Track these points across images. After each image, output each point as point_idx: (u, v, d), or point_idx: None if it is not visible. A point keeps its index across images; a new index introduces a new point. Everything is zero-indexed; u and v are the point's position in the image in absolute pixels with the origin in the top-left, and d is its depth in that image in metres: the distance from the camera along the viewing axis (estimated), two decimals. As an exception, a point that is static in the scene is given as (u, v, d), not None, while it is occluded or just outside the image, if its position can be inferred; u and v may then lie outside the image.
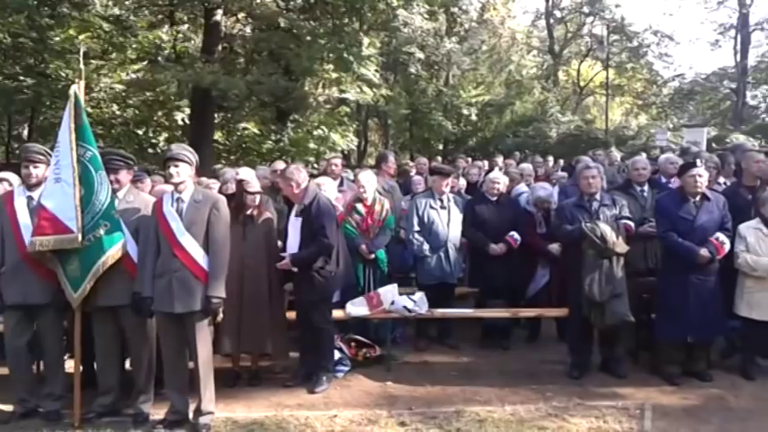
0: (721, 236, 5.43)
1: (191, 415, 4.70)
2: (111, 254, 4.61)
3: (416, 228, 6.56)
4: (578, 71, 34.85)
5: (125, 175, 4.93)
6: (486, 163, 12.49)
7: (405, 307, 5.95)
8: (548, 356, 6.27)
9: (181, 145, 4.99)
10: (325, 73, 17.53)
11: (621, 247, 5.49)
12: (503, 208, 6.66)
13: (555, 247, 6.27)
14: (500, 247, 6.40)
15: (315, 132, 18.30)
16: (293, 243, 5.42)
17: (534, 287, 6.65)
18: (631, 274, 5.66)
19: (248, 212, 5.47)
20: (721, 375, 5.63)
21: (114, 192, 4.77)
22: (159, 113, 18.11)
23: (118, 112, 17.94)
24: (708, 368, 5.67)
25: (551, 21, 33.76)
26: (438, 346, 6.68)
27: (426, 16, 19.13)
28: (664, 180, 6.63)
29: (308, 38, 15.44)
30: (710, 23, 38.76)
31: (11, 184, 5.50)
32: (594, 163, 6.63)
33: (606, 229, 5.47)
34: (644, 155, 11.80)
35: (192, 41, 17.87)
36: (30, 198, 4.80)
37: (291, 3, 16.48)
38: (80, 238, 4.53)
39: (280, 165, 7.61)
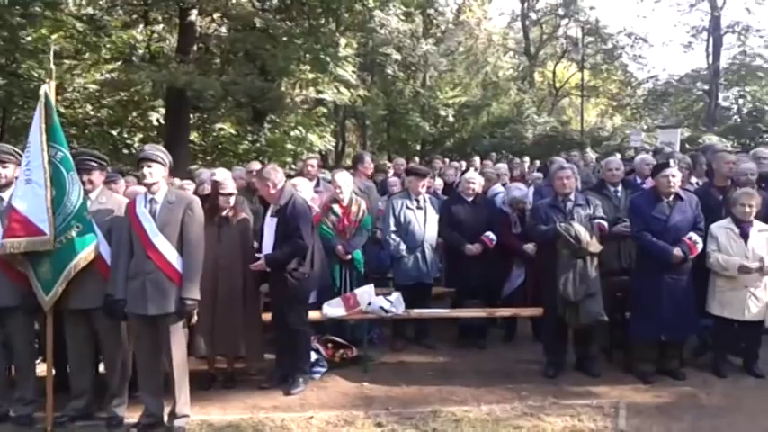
0: (694, 235, 5.50)
1: (165, 418, 4.65)
2: (84, 256, 4.55)
3: (393, 228, 6.57)
4: (554, 73, 35.18)
5: (98, 176, 4.87)
6: (463, 164, 12.59)
7: (381, 307, 5.95)
8: (523, 356, 6.31)
9: (154, 146, 4.94)
10: (301, 73, 17.46)
11: (595, 246, 5.55)
12: (478, 208, 6.70)
13: (530, 247, 6.32)
14: (476, 247, 6.43)
15: (292, 133, 18.22)
16: (268, 244, 5.39)
17: (510, 287, 6.69)
18: (605, 273, 5.71)
19: (223, 214, 5.44)
20: (694, 373, 5.70)
21: (87, 193, 4.71)
22: (134, 114, 17.92)
23: (92, 113, 17.71)
24: (681, 366, 5.73)
25: (527, 22, 34.02)
26: (415, 346, 6.69)
27: (403, 17, 19.18)
28: (639, 181, 6.71)
29: (284, 38, 15.37)
30: (683, 26, 39.45)
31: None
32: (568, 164, 6.69)
33: (580, 229, 5.52)
34: (618, 155, 11.98)
35: (167, 41, 17.71)
36: (0, 199, 4.73)
37: (267, 3, 16.43)
38: (52, 240, 4.47)
39: (255, 165, 7.57)
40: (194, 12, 14.87)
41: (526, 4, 33.60)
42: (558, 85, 34.89)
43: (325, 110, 21.17)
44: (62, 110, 15.09)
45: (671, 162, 5.68)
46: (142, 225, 4.53)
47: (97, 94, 16.97)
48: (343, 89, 18.60)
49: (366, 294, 6.00)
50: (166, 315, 4.50)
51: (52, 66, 5.21)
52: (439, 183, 8.28)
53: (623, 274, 5.93)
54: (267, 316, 5.73)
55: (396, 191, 7.73)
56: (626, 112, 35.20)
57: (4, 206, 4.65)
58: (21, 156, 4.73)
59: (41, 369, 4.99)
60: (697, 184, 6.87)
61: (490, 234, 6.49)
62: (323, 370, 5.82)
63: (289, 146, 17.83)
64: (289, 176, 7.85)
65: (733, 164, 6.19)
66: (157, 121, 16.92)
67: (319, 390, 5.50)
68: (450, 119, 26.76)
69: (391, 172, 10.41)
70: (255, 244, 5.66)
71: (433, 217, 6.66)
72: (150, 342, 4.63)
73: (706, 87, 31.10)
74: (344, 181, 6.41)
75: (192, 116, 16.57)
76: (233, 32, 16.41)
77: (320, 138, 19.06)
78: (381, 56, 22.90)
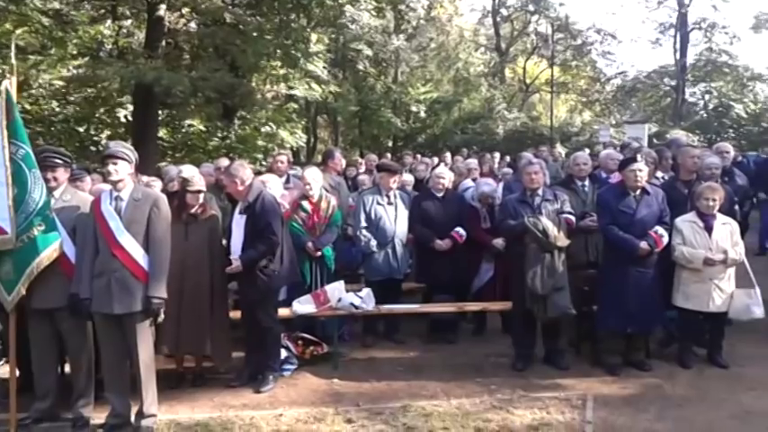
0: (660, 229, 5.59)
1: (132, 418, 4.61)
2: (47, 254, 4.48)
3: (363, 224, 6.57)
4: (524, 69, 35.42)
5: (62, 173, 4.79)
6: (435, 159, 12.64)
7: (352, 304, 5.95)
8: (493, 350, 6.35)
9: (119, 142, 4.89)
10: (272, 69, 17.34)
11: (563, 240, 5.61)
12: (448, 204, 6.72)
13: (499, 242, 6.36)
14: (445, 242, 6.46)
15: (263, 129, 18.07)
16: (237, 241, 5.35)
17: (479, 281, 6.73)
18: (573, 267, 5.78)
19: (191, 211, 5.38)
20: (659, 364, 5.80)
21: (51, 190, 4.64)
22: (101, 110, 17.58)
23: (58, 109, 17.36)
24: (647, 358, 5.84)
25: (498, 18, 34.19)
26: (385, 341, 6.70)
27: (374, 13, 19.11)
28: (604, 175, 6.78)
29: (255, 33, 15.21)
30: (651, 22, 39.81)
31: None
32: (537, 159, 6.75)
33: (548, 224, 5.58)
34: (587, 150, 12.11)
35: (135, 37, 17.42)
36: None
37: (237, -2, 16.28)
38: (14, 238, 4.39)
39: (224, 162, 7.51)
40: (163, 7, 14.65)
41: (497, 1, 33.76)
42: (528, 81, 35.15)
43: (296, 106, 21.07)
44: (27, 106, 14.79)
45: (637, 157, 5.76)
46: (107, 223, 4.47)
47: (63, 90, 16.63)
48: (314, 85, 18.49)
49: (336, 291, 6.00)
50: (133, 314, 4.46)
51: (14, 61, 5.11)
52: (409, 178, 8.29)
53: (590, 268, 6.00)
54: (236, 314, 5.70)
55: (366, 188, 7.73)
56: (595, 108, 35.59)
57: None
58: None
59: (5, 370, 4.90)
60: (663, 178, 6.96)
61: (460, 229, 6.53)
62: (293, 367, 5.80)
63: (260, 142, 17.69)
64: (259, 173, 7.82)
65: (697, 158, 6.30)
66: (125, 117, 16.64)
67: (289, 387, 5.48)
68: (422, 115, 26.79)
69: (363, 168, 10.44)
70: (224, 242, 5.61)
71: (404, 213, 6.67)
72: (116, 341, 4.57)
73: (673, 83, 31.58)
74: (314, 177, 6.39)
75: (160, 112, 16.32)
76: (202, 27, 16.22)
77: (291, 134, 18.94)
78: (353, 51, 22.87)
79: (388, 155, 17.11)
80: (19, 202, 4.43)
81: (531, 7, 33.19)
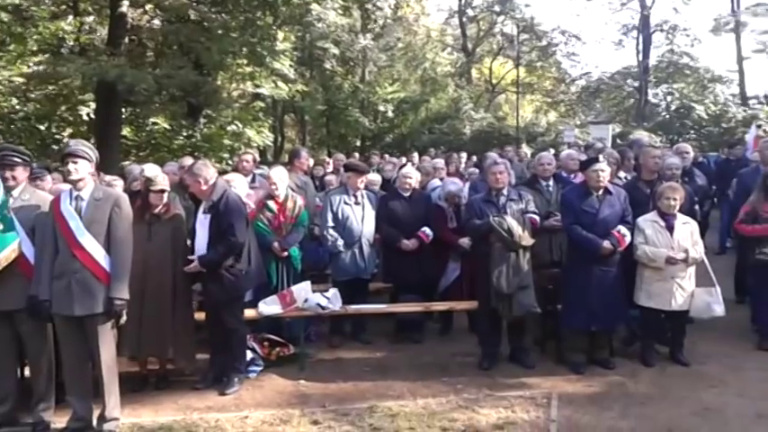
0: (623, 228, 5.68)
1: (94, 422, 4.55)
2: (5, 255, 4.38)
3: (331, 224, 6.56)
4: (490, 69, 35.66)
5: (21, 172, 4.68)
6: (403, 159, 12.66)
7: (318, 304, 5.93)
8: (459, 349, 6.38)
9: (80, 141, 4.79)
10: (238, 67, 17.15)
11: (527, 240, 5.66)
12: (415, 203, 6.74)
13: (465, 241, 6.39)
14: (412, 242, 6.48)
15: (229, 128, 17.86)
16: (201, 241, 5.28)
17: (446, 281, 6.76)
18: (537, 266, 5.84)
19: (155, 211, 5.30)
20: (623, 362, 5.88)
21: (9, 189, 4.55)
22: (62, 108, 17.22)
23: (18, 107, 16.97)
24: (610, 356, 5.92)
25: (464, 19, 34.36)
26: (352, 342, 6.69)
27: (340, 12, 19.05)
28: (565, 175, 6.86)
29: (220, 31, 15.04)
30: (614, 24, 40.49)
31: None
32: (501, 159, 6.79)
33: (513, 223, 5.63)
34: (552, 150, 12.23)
35: (98, 33, 17.10)
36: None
37: (202, -5, 16.08)
38: (-30, 239, 4.28)
39: (188, 161, 7.42)
40: (125, 3, 14.39)
41: (463, 1, 33.94)
42: (494, 81, 35.40)
43: (262, 104, 20.90)
44: (-15, 103, 14.48)
45: (600, 157, 5.85)
46: (67, 223, 4.39)
47: (24, 87, 16.25)
48: (281, 83, 18.36)
49: (303, 291, 5.97)
50: (94, 316, 4.40)
51: (-31, 57, 4.97)
52: (376, 178, 8.28)
53: (555, 267, 6.07)
54: (201, 315, 5.63)
55: (333, 187, 7.71)
56: (560, 109, 35.95)
57: None
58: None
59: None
60: (625, 178, 7.07)
61: (426, 229, 6.56)
62: (259, 369, 5.76)
63: (226, 141, 17.48)
64: (225, 172, 7.75)
65: (658, 158, 6.41)
66: (87, 115, 16.34)
67: (255, 389, 5.44)
68: (390, 114, 26.81)
69: (330, 167, 10.40)
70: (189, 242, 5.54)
71: (371, 213, 6.67)
72: (77, 344, 4.51)
73: (636, 84, 32.06)
74: (280, 177, 6.34)
75: (124, 110, 16.04)
76: (166, 24, 15.97)
77: (258, 133, 18.76)
78: (319, 50, 22.76)
79: (356, 154, 17.06)
80: (-25, 201, 4.32)
81: (496, 8, 33.40)
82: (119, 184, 5.97)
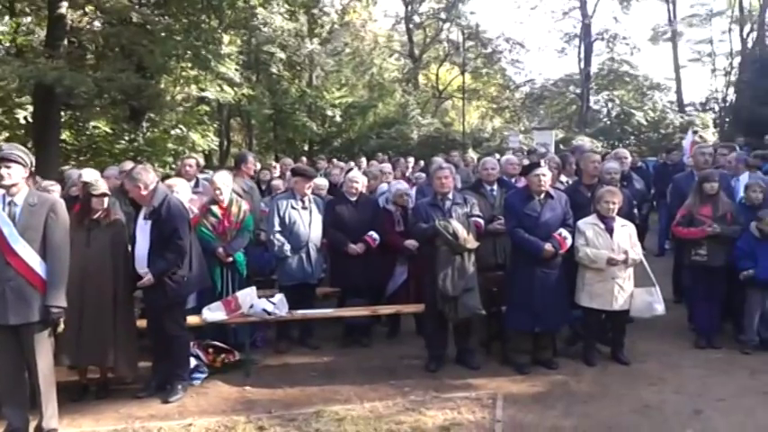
0: (564, 231, 5.81)
1: (31, 433, 4.39)
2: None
3: (277, 228, 6.49)
4: (437, 75, 36.00)
5: (18, 171, 4.44)
6: (351, 163, 12.65)
7: (264, 310, 5.87)
8: (407, 352, 6.41)
9: (14, 145, 4.62)
10: (182, 70, 16.90)
11: (472, 243, 5.73)
12: (362, 208, 6.75)
13: (412, 243, 6.41)
14: (359, 246, 6.48)
15: (172, 132, 17.55)
16: (142, 248, 5.16)
17: (394, 284, 6.78)
18: (482, 269, 5.92)
19: (94, 216, 5.16)
20: (566, 362, 6.00)
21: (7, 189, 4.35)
22: (-1, 111, 16.70)
23: (-49, 110, 16.37)
24: (554, 356, 6.03)
25: (411, 25, 34.60)
26: (299, 347, 6.64)
27: (286, 16, 18.97)
28: (506, 179, 6.97)
29: (163, 34, 14.82)
30: (557, 32, 41.39)
31: None
32: (447, 164, 6.86)
33: (458, 227, 5.69)
34: (498, 155, 12.42)
35: (35, 35, 16.64)
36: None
37: (145, -3, 15.79)
38: None
39: (128, 165, 7.25)
40: (64, 4, 14.03)
41: (410, 8, 34.17)
42: (441, 87, 35.73)
43: (207, 108, 20.58)
44: None
45: (541, 162, 5.96)
46: (0, 229, 4.24)
47: (-43, 90, 15.67)
48: (226, 87, 18.16)
49: (248, 297, 5.90)
50: (30, 324, 4.28)
51: None
52: (323, 183, 8.26)
53: (499, 270, 6.17)
54: (143, 322, 5.51)
55: (280, 192, 7.65)
56: (505, 115, 36.53)
57: None
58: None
59: None
60: (567, 182, 7.23)
61: (373, 233, 6.57)
62: (203, 376, 5.67)
63: (170, 145, 17.17)
64: (168, 177, 7.60)
65: (598, 163, 6.58)
66: (25, 119, 15.81)
67: (199, 396, 5.35)
68: (338, 119, 26.74)
69: (277, 172, 10.33)
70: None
71: (318, 218, 6.64)
72: (13, 353, 4.37)
73: (578, 91, 32.84)
74: (224, 182, 6.26)
75: (63, 114, 15.60)
76: (107, 27, 15.63)
77: (203, 137, 18.50)
78: (266, 54, 22.57)
79: (304, 159, 16.98)
80: None
81: (442, 15, 33.78)
82: (56, 189, 5.81)
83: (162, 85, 17.05)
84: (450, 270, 5.63)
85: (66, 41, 14.63)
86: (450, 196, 5.96)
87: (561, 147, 20.51)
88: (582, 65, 32.73)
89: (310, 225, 6.57)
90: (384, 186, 7.90)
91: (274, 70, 23.75)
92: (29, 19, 16.55)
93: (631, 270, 5.95)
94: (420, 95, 32.60)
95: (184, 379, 5.39)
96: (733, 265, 6.21)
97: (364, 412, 4.94)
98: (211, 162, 22.55)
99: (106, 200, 5.22)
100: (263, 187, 9.09)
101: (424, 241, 5.98)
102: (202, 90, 18.01)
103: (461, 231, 5.67)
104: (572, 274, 6.01)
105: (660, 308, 5.98)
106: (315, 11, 24.34)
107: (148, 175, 5.18)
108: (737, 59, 31.91)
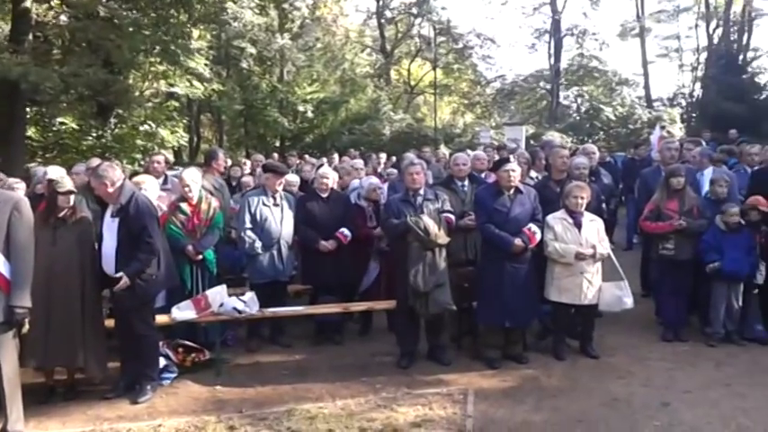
0: (533, 226, 5.85)
1: (-5, 437, 4.31)
2: None
3: (248, 225, 6.44)
4: (409, 71, 35.97)
5: None
6: (324, 160, 12.60)
7: (235, 308, 5.83)
8: (379, 348, 6.41)
9: (-25, 142, 4.52)
10: (150, 65, 16.67)
11: (443, 238, 5.75)
12: (333, 204, 6.73)
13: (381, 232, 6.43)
14: (330, 243, 6.46)
15: (141, 128, 17.28)
16: (109, 246, 5.08)
17: (368, 280, 6.78)
18: (453, 264, 5.95)
19: (60, 214, 5.07)
20: (536, 357, 6.06)
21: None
22: (-39, 108, 16.31)
23: None
24: (524, 351, 6.08)
25: (382, 21, 34.52)
26: (270, 345, 6.60)
27: (257, 11, 18.80)
28: (476, 175, 6.99)
29: (131, 28, 14.59)
30: (527, 28, 41.69)
31: None
32: (418, 160, 6.87)
33: (429, 222, 5.70)
34: (469, 151, 12.45)
35: (0, 30, 16.28)
36: None
37: (112, -9, 15.51)
38: None
39: (95, 162, 7.13)
40: (29, -2, 13.76)
41: (381, 2, 34.09)
42: (413, 83, 35.71)
43: (177, 104, 20.32)
44: None
45: (511, 158, 6.00)
46: (-39, 229, 4.14)
47: None
48: (196, 82, 17.95)
49: (218, 295, 5.85)
50: (-7, 326, 4.16)
51: None
52: (294, 179, 8.21)
53: (470, 265, 6.19)
54: (111, 322, 5.43)
55: (251, 189, 7.59)
56: (476, 110, 36.63)
57: None
58: None
59: None
60: (537, 178, 7.28)
61: (345, 230, 6.55)
62: (173, 375, 5.61)
63: (138, 141, 16.91)
64: (136, 173, 7.50)
65: (567, 159, 6.64)
66: (-11, 115, 15.51)
67: (169, 396, 5.29)
68: (309, 114, 26.56)
69: (248, 169, 10.24)
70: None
71: (290, 214, 6.61)
72: (-25, 356, 4.25)
73: (548, 87, 33.09)
74: (193, 179, 6.20)
75: (28, 110, 15.30)
76: (73, 21, 15.35)
77: (172, 133, 18.25)
78: (236, 49, 22.35)
79: (275, 155, 16.85)
80: None
81: (414, 10, 33.69)
82: (21, 186, 5.70)
83: (130, 81, 16.81)
84: (422, 266, 5.64)
85: (31, 36, 14.33)
86: (422, 192, 5.97)
87: (532, 142, 20.63)
88: (552, 60, 32.96)
89: (282, 222, 6.54)
90: (356, 182, 7.88)
91: (245, 65, 23.50)
92: (-9, 13, 16.19)
93: (599, 264, 6.02)
94: (392, 91, 32.57)
95: (153, 379, 5.33)
96: (699, 258, 6.32)
97: (336, 410, 4.93)
98: (181, 158, 22.31)
99: (72, 198, 5.13)
100: (234, 184, 9.01)
101: (395, 237, 5.98)
102: (171, 85, 17.78)
103: (432, 227, 5.68)
104: (542, 269, 6.06)
105: (629, 301, 6.07)
106: (285, 5, 24.15)
107: (115, 172, 5.10)
108: (704, 55, 32.55)
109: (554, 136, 20.46)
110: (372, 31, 36.16)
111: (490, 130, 24.24)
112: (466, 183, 6.56)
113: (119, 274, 5.02)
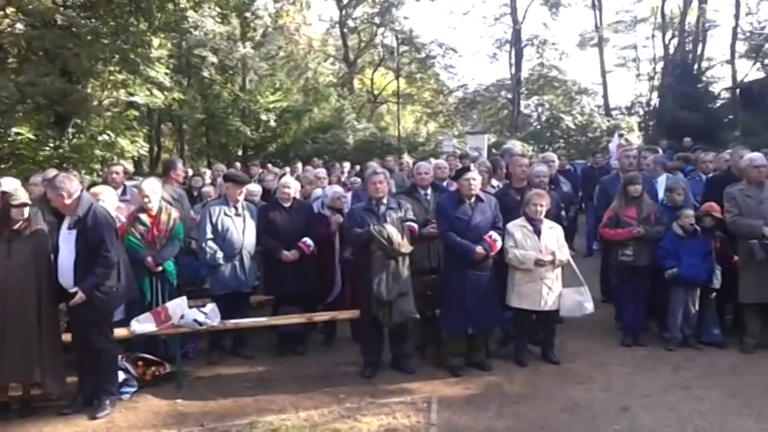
0: (494, 234, 5.91)
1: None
2: None
3: (210, 235, 6.37)
4: (372, 80, 36.10)
5: None
6: (287, 169, 12.55)
7: (195, 320, 5.76)
8: (342, 358, 6.38)
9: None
10: (109, 74, 16.42)
11: (406, 247, 5.77)
12: (296, 213, 6.69)
13: (338, 218, 6.56)
14: (292, 253, 6.43)
15: (100, 138, 16.98)
16: (66, 259, 4.98)
17: (337, 289, 6.76)
18: (416, 272, 5.96)
19: (14, 227, 4.96)
20: (499, 364, 6.10)
21: None
22: None
23: None
24: (487, 357, 6.12)
25: (345, 30, 34.58)
26: (232, 357, 6.53)
27: (218, 19, 18.68)
28: (439, 183, 7.04)
29: (89, 37, 14.38)
30: (489, 38, 42.25)
31: None
32: (381, 169, 6.88)
33: (392, 231, 5.72)
34: (432, 160, 12.52)
35: (-46, 38, 15.89)
36: None
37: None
38: None
39: (52, 173, 6.99)
40: (-16, 6, 13.49)
41: (344, 12, 34.16)
42: (376, 92, 35.85)
43: (137, 113, 20.03)
44: None
45: (471, 166, 6.06)
46: None
47: None
48: (156, 91, 17.75)
49: (178, 307, 5.78)
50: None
51: None
52: (256, 189, 8.16)
53: (433, 273, 6.20)
54: (68, 336, 5.31)
55: (211, 199, 7.51)
56: (439, 119, 36.96)
57: None
58: None
59: None
60: (498, 186, 7.36)
61: (307, 240, 6.52)
62: (132, 390, 5.50)
63: (97, 151, 16.61)
64: (95, 184, 7.37)
65: (526, 167, 6.72)
66: (-59, 126, 15.12)
67: (128, 411, 5.20)
68: (272, 124, 26.39)
69: (208, 178, 10.15)
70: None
71: (252, 224, 6.55)
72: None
73: (510, 96, 33.54)
74: (152, 189, 6.11)
75: (-18, 120, 14.99)
76: (30, 29, 15.06)
77: (132, 143, 17.96)
78: (197, 58, 22.15)
79: (238, 164, 16.70)
80: None
81: (376, 20, 33.85)
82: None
83: (88, 90, 16.52)
84: (385, 275, 5.65)
85: (-15, 44, 14.05)
86: (385, 201, 5.98)
87: (494, 151, 20.83)
88: (513, 70, 33.44)
89: (244, 232, 6.48)
90: (318, 191, 7.87)
91: (206, 74, 23.28)
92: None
93: (559, 270, 6.10)
94: (355, 100, 32.61)
95: (112, 393, 5.23)
96: (658, 264, 6.44)
97: (299, 421, 4.90)
98: (141, 168, 22.00)
99: (27, 210, 5.03)
100: (195, 194, 8.92)
101: (358, 246, 5.98)
102: (131, 94, 17.54)
103: (396, 236, 5.70)
104: (503, 276, 6.11)
105: (590, 306, 6.16)
106: (247, 14, 24.07)
107: (72, 184, 5.00)
108: (660, 65, 33.32)
109: (515, 144, 20.68)
110: (335, 41, 36.21)
111: (453, 139, 24.46)
112: (429, 191, 6.58)
113: (74, 289, 4.93)
